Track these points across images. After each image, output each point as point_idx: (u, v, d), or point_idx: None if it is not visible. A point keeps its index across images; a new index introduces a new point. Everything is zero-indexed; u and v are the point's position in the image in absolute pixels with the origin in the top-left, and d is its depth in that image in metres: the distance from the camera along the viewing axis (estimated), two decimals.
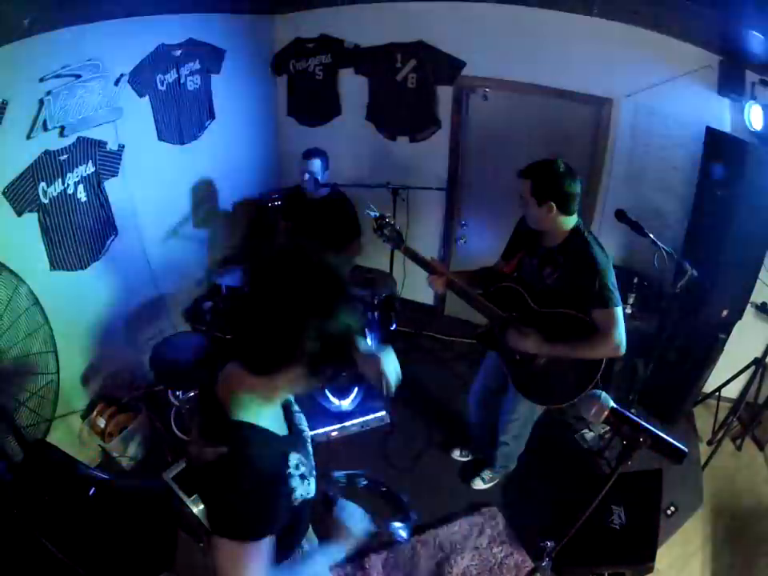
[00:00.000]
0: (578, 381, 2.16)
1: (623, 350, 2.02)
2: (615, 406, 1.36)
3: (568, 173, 1.98)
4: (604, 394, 1.36)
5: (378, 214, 2.26)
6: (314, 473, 1.25)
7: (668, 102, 2.94)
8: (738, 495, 2.88)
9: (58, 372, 2.36)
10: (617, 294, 2.00)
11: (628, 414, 1.36)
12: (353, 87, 3.70)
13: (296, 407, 1.32)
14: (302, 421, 1.32)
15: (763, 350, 2.94)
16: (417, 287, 3.62)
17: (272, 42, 3.73)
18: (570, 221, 2.06)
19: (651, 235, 2.32)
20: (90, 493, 2.16)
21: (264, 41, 3.70)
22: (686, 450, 1.29)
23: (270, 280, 0.98)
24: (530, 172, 2.02)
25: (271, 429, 1.11)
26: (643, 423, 1.32)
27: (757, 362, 2.91)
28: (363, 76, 3.62)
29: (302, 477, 1.16)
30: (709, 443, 3.09)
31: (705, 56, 2.77)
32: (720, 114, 2.85)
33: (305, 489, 1.17)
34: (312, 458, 1.28)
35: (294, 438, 1.23)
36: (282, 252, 1.03)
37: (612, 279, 2.00)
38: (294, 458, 1.14)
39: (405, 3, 3.28)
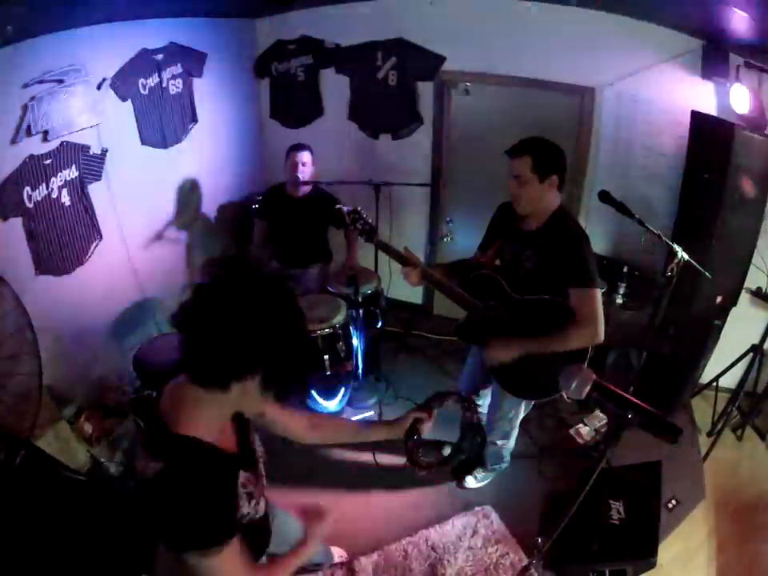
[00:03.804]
0: None
1: (601, 336, 2.05)
2: (598, 379, 1.32)
3: (559, 146, 2.09)
4: (585, 367, 1.36)
5: (350, 208, 2.43)
6: (265, 492, 1.31)
7: (651, 88, 3.07)
8: (741, 486, 2.94)
9: (40, 374, 2.47)
10: (596, 275, 2.05)
11: (613, 388, 1.31)
12: (334, 87, 3.88)
13: (252, 425, 1.36)
14: (256, 440, 1.37)
15: (760, 336, 2.99)
16: (404, 286, 3.56)
17: (254, 44, 3.92)
18: (558, 199, 2.15)
19: (637, 215, 2.35)
20: (73, 493, 2.29)
21: (246, 44, 3.89)
22: (681, 428, 1.24)
23: (220, 291, 1.03)
24: (527, 147, 2.05)
25: (217, 445, 1.13)
26: (630, 397, 1.28)
27: (754, 348, 2.98)
28: (344, 75, 3.80)
29: (249, 495, 1.22)
30: (709, 434, 3.16)
31: (687, 41, 2.89)
32: (705, 98, 2.97)
33: (252, 508, 1.23)
34: (263, 478, 1.33)
35: (244, 456, 1.27)
36: (228, 264, 1.08)
37: (592, 259, 2.06)
38: (242, 477, 1.19)
39: (383, 1, 3.45)
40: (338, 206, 2.51)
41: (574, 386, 1.32)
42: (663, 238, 2.37)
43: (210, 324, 1.00)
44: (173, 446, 1.06)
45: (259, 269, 1.07)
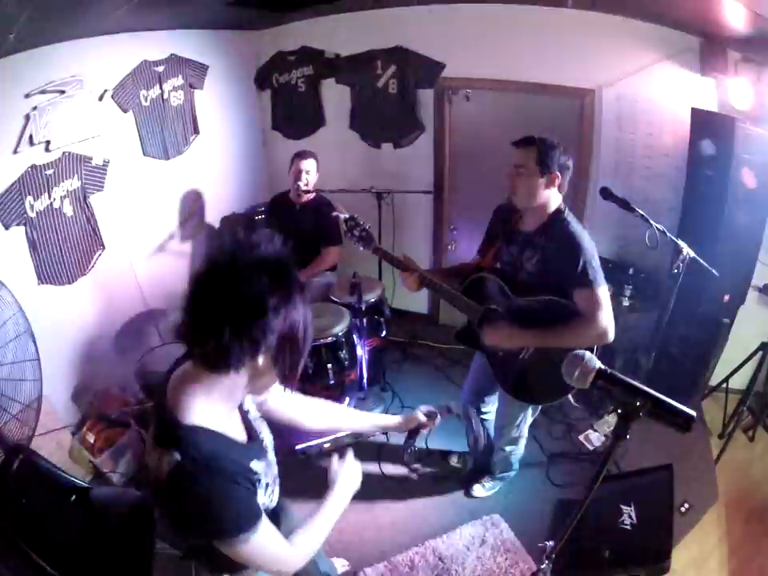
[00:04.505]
0: None
1: (611, 334, 2.00)
2: (602, 366, 1.24)
3: (566, 148, 2.08)
4: (588, 353, 1.24)
5: (347, 216, 2.40)
6: (278, 481, 1.29)
7: (651, 87, 3.08)
8: (754, 487, 2.89)
9: (41, 380, 2.44)
10: (600, 274, 2.01)
11: (620, 375, 1.23)
12: (335, 97, 3.92)
13: (255, 414, 1.34)
14: (263, 428, 1.34)
15: None
16: (409, 296, 3.64)
17: (255, 56, 3.98)
18: (557, 200, 2.12)
19: (640, 210, 2.35)
20: (71, 499, 2.27)
21: (247, 55, 3.95)
22: (694, 413, 1.14)
23: (220, 273, 1.01)
24: (534, 139, 2.04)
25: (228, 434, 1.12)
26: (638, 384, 1.20)
27: (764, 346, 2.94)
28: (345, 85, 3.84)
29: (264, 486, 1.20)
30: (720, 436, 3.11)
31: (685, 39, 2.91)
32: (705, 95, 2.97)
33: (267, 497, 1.22)
34: (274, 466, 1.31)
35: (253, 445, 1.24)
36: (226, 247, 1.06)
37: (595, 258, 2.02)
38: (255, 466, 1.16)
39: (382, 10, 3.49)
40: (334, 213, 2.48)
41: (576, 375, 1.23)
42: (668, 234, 2.36)
43: (214, 305, 0.99)
44: (185, 437, 1.03)
45: (257, 247, 1.05)
